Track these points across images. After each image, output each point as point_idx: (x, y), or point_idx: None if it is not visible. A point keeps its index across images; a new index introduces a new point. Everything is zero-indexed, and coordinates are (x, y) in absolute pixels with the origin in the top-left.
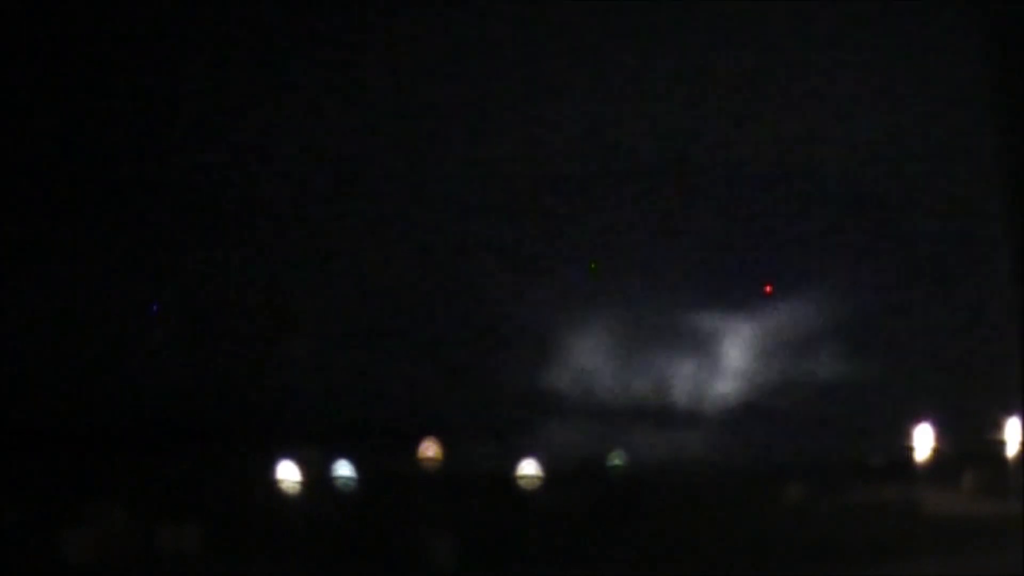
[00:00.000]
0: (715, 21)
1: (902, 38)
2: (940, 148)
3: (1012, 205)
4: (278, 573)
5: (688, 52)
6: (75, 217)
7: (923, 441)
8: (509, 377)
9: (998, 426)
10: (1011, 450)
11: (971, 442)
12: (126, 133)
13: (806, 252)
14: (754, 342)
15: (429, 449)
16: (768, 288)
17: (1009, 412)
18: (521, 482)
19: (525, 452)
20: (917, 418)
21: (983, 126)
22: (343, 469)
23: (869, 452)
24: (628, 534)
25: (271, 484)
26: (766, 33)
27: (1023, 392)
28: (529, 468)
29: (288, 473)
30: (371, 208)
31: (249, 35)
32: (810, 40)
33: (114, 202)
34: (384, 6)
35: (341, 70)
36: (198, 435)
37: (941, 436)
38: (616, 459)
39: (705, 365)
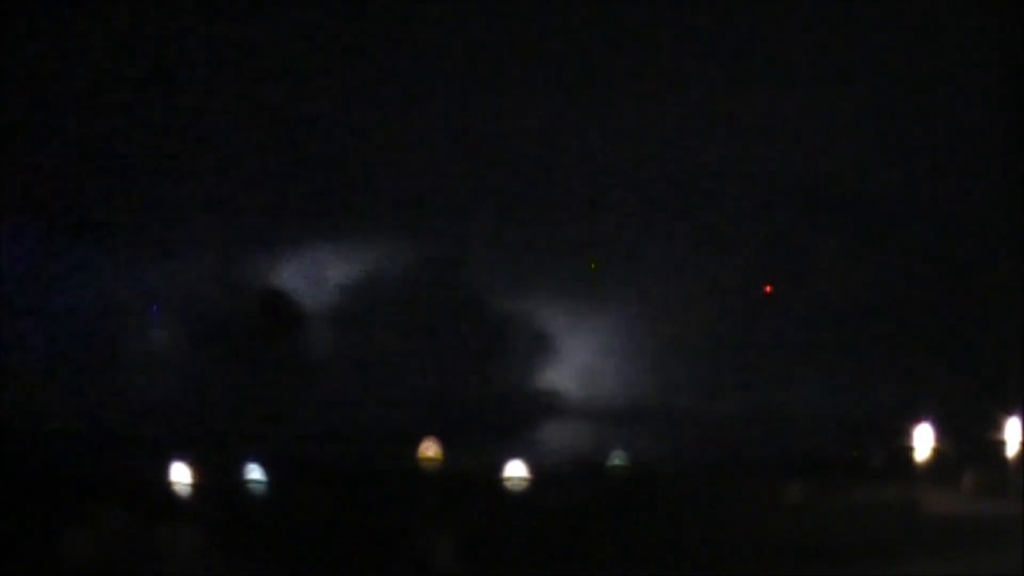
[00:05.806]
0: (717, 24)
1: (908, 38)
2: (943, 147)
3: (1014, 205)
4: (276, 572)
5: (691, 55)
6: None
7: (923, 441)
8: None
9: (998, 426)
10: (1011, 450)
11: (971, 442)
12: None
13: (807, 251)
14: (754, 342)
15: (429, 449)
16: (768, 288)
17: (1009, 412)
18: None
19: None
20: (917, 418)
21: (988, 126)
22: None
23: (869, 452)
24: (626, 533)
25: (268, 484)
26: (768, 35)
27: (1023, 392)
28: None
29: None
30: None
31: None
32: (812, 40)
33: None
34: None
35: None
36: (193, 435)
37: (941, 436)
38: (616, 459)
39: (705, 364)
